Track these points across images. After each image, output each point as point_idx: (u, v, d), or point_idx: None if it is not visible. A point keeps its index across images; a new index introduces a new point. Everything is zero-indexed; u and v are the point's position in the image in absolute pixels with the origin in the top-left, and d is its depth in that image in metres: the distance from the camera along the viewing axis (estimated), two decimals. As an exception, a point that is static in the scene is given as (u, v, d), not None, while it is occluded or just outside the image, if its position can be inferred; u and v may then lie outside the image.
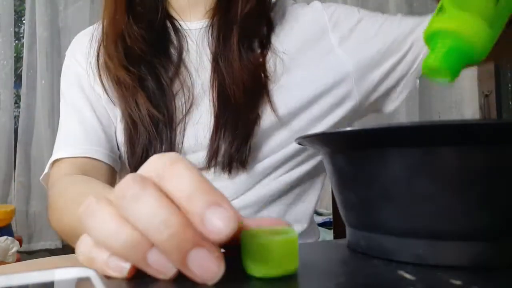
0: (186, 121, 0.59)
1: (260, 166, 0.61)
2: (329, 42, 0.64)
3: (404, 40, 0.63)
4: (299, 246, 0.30)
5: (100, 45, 0.64)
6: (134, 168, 0.60)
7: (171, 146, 0.58)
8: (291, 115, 0.61)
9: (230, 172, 0.59)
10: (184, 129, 0.59)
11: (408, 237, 0.31)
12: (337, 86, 0.63)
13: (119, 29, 0.62)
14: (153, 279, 0.28)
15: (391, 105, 0.67)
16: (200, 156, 0.59)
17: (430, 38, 0.32)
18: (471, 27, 0.29)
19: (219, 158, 0.58)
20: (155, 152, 0.57)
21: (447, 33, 0.30)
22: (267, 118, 0.59)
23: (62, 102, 0.68)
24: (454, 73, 0.30)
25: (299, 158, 0.63)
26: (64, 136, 0.64)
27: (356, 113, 0.66)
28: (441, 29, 0.31)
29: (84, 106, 0.64)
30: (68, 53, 0.70)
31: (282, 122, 0.60)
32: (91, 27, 0.69)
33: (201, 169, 0.59)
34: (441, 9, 0.31)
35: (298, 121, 0.61)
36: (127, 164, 0.62)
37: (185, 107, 0.59)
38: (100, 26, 0.66)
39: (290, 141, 0.61)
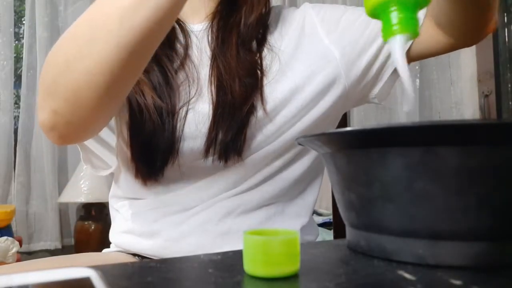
0: (188, 108, 0.62)
1: (256, 157, 0.63)
2: (318, 35, 0.69)
3: None
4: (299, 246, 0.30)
5: None
6: (137, 158, 0.62)
7: (173, 131, 0.60)
8: (279, 106, 0.63)
9: (226, 161, 0.61)
10: (186, 116, 0.62)
11: (408, 237, 0.31)
12: (323, 68, 0.66)
13: None
14: (154, 279, 0.28)
15: (376, 88, 0.70)
16: (199, 143, 0.61)
17: (376, 12, 0.34)
18: None
19: (217, 146, 0.61)
20: (158, 138, 0.60)
21: (389, 1, 0.33)
22: (259, 110, 0.62)
23: None
24: (416, 27, 0.33)
25: (293, 152, 0.65)
26: None
27: (344, 102, 0.68)
28: (382, 1, 0.33)
29: None
30: None
31: (270, 115, 0.62)
32: None
33: (199, 157, 0.62)
34: None
35: (287, 111, 0.63)
36: (129, 153, 0.63)
37: (188, 97, 0.62)
38: None
39: (278, 134, 0.63)
